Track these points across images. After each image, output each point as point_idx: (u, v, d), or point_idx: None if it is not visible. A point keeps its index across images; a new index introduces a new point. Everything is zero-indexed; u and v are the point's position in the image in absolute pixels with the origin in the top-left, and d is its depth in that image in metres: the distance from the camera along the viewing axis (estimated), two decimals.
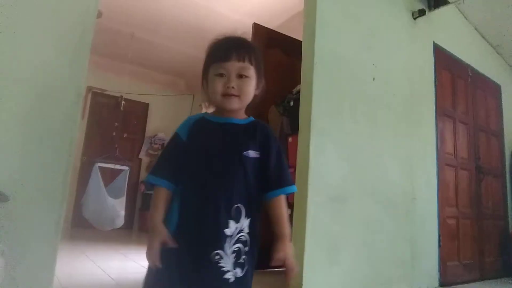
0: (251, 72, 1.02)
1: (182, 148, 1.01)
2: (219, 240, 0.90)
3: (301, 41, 2.37)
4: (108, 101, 5.63)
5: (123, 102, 5.33)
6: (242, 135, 1.01)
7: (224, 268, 0.88)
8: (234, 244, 0.91)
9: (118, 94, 5.54)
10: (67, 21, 1.53)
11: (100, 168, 3.89)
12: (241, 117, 1.06)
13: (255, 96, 1.06)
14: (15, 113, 1.39)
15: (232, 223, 0.92)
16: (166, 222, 0.95)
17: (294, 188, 1.02)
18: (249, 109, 1.09)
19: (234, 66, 0.99)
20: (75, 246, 3.62)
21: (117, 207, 3.72)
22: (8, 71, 1.39)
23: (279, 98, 3.12)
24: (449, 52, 3.40)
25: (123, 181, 4.11)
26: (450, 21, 3.51)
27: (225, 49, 1.02)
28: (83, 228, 4.54)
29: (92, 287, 2.26)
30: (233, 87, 0.98)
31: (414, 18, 3.03)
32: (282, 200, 1.00)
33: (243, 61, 1.00)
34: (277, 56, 3.37)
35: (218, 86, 0.99)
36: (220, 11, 3.77)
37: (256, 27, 3.28)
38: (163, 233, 0.92)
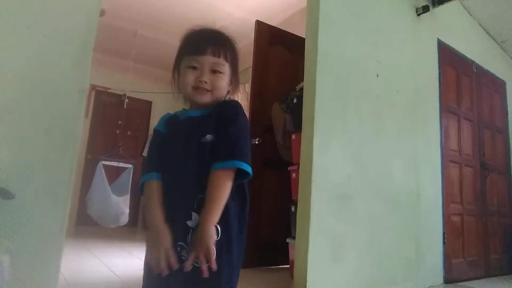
0: (225, 68, 0.99)
1: (162, 139, 1.01)
2: (182, 232, 0.88)
3: (304, 38, 2.37)
4: (112, 99, 5.65)
5: (127, 100, 5.33)
6: (201, 123, 0.96)
7: (183, 257, 0.86)
8: None
9: (121, 92, 5.55)
10: (71, 19, 1.53)
11: (104, 166, 3.91)
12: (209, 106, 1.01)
13: (228, 92, 1.03)
14: (19, 111, 1.40)
15: (194, 215, 0.88)
16: None
17: (236, 164, 0.89)
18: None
19: (208, 60, 0.97)
20: (79, 243, 3.64)
21: (122, 205, 3.74)
22: (12, 69, 1.39)
23: (282, 95, 3.12)
24: (454, 48, 3.38)
25: (127, 179, 4.13)
26: (454, 17, 3.48)
27: (201, 42, 0.99)
28: (87, 225, 4.57)
29: (97, 284, 2.28)
30: (205, 82, 0.96)
31: (418, 15, 3.01)
32: (215, 175, 0.89)
33: (218, 56, 0.98)
34: (280, 53, 3.37)
35: (190, 78, 0.97)
36: (223, 8, 3.77)
37: (259, 24, 3.27)
38: (167, 242, 0.86)
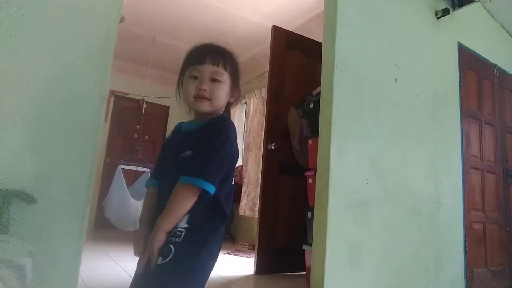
0: (225, 77, 1.04)
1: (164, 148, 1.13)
2: (171, 234, 0.94)
3: (321, 43, 2.35)
4: (130, 104, 5.75)
5: (145, 105, 5.43)
6: (188, 137, 1.04)
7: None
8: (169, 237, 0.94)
9: (139, 97, 5.65)
10: (92, 27, 1.57)
11: (123, 170, 3.96)
12: (203, 120, 1.05)
13: (229, 103, 1.09)
14: (41, 118, 1.43)
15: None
16: None
17: (198, 182, 0.91)
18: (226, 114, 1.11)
19: (207, 69, 1.02)
20: (97, 247, 3.70)
21: (140, 209, 3.77)
22: (34, 77, 1.43)
23: (299, 100, 3.10)
24: (475, 52, 3.30)
25: (144, 183, 4.17)
26: (475, 20, 3.41)
27: (200, 53, 1.06)
28: (104, 228, 4.64)
29: (114, 287, 2.30)
30: (205, 89, 1.01)
31: (438, 18, 2.96)
32: (177, 188, 0.94)
33: (217, 65, 1.03)
34: (297, 58, 3.36)
35: (191, 88, 1.02)
36: (239, 14, 3.79)
37: (275, 29, 3.28)
38: (138, 235, 1.03)
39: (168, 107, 6.07)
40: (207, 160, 0.95)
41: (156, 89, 5.49)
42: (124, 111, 5.72)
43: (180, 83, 1.09)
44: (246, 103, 5.35)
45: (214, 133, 0.99)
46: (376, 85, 2.41)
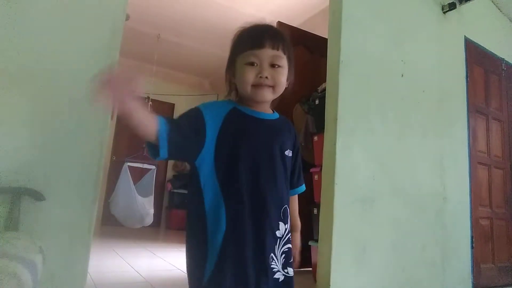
0: (284, 61, 0.93)
1: (201, 127, 0.87)
2: (272, 243, 0.88)
3: (326, 39, 2.35)
4: None
5: (150, 102, 5.44)
6: (281, 133, 0.98)
7: (274, 269, 0.88)
8: (284, 245, 0.91)
9: (145, 95, 5.66)
10: (98, 25, 1.58)
11: (129, 167, 3.99)
12: (269, 111, 0.99)
13: (285, 89, 0.97)
14: (49, 116, 1.45)
15: (281, 225, 0.91)
16: (206, 232, 0.86)
17: (304, 187, 1.09)
18: (274, 104, 1.02)
19: (267, 54, 0.90)
20: (104, 243, 3.73)
21: (147, 206, 3.80)
22: (40, 74, 1.44)
23: (304, 96, 3.10)
24: (482, 46, 3.27)
25: (150, 180, 4.20)
26: (482, 14, 3.37)
27: (258, 36, 0.92)
28: (111, 225, 4.68)
29: (122, 283, 2.32)
30: (266, 77, 0.89)
31: (444, 12, 2.93)
32: (296, 197, 1.09)
33: (277, 49, 0.92)
34: (302, 54, 3.35)
35: (249, 76, 0.89)
36: (244, 11, 3.79)
37: (280, 26, 3.27)
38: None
39: (173, 105, 6.09)
40: (301, 164, 1.07)
41: (161, 87, 5.51)
42: None
43: (230, 72, 0.96)
44: None
45: (296, 134, 1.05)
46: (382, 80, 2.40)
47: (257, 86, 0.90)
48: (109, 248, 3.50)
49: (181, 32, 4.43)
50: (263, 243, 0.86)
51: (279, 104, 1.03)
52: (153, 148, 0.79)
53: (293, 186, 1.03)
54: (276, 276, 0.88)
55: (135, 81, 0.72)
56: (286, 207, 0.93)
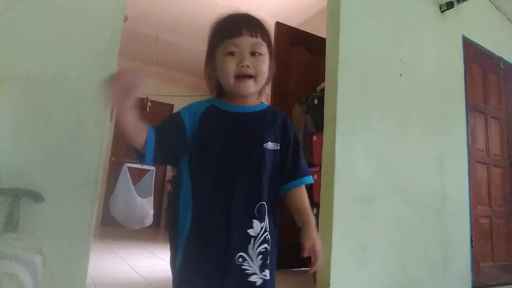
0: (265, 49, 0.90)
1: (181, 131, 0.88)
2: (242, 242, 0.82)
3: (325, 38, 2.35)
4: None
5: (149, 103, 5.44)
6: (259, 125, 0.91)
7: (248, 271, 0.81)
8: (260, 245, 0.84)
9: (143, 96, 5.66)
10: (97, 26, 1.58)
11: (128, 168, 3.98)
12: (254, 103, 0.95)
13: (267, 78, 0.94)
14: (48, 117, 1.44)
15: (256, 223, 0.84)
16: (177, 226, 0.87)
17: (311, 179, 0.96)
18: (261, 94, 0.99)
19: (246, 41, 0.87)
20: (104, 244, 3.73)
21: (146, 206, 3.80)
22: (39, 75, 1.44)
23: (303, 96, 3.10)
24: (480, 45, 3.28)
25: (150, 181, 4.20)
26: (480, 13, 3.38)
27: (235, 24, 0.90)
28: (111, 226, 4.67)
29: (121, 284, 2.32)
30: (248, 66, 0.86)
31: (442, 11, 2.94)
32: (302, 190, 0.94)
33: (256, 36, 0.89)
34: (301, 54, 3.35)
35: (231, 66, 0.86)
36: (242, 10, 3.78)
37: (279, 26, 3.27)
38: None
39: (172, 105, 6.09)
40: (303, 156, 0.96)
41: (160, 88, 5.51)
42: None
43: (209, 66, 0.94)
44: None
45: (290, 124, 0.96)
46: (381, 80, 2.40)
47: (239, 77, 0.87)
48: (109, 249, 3.50)
49: (179, 32, 4.43)
50: (229, 242, 0.82)
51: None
52: (139, 153, 0.84)
53: (288, 179, 0.92)
54: (251, 279, 0.81)
55: (136, 82, 0.76)
56: (263, 204, 0.85)
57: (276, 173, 0.91)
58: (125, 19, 1.79)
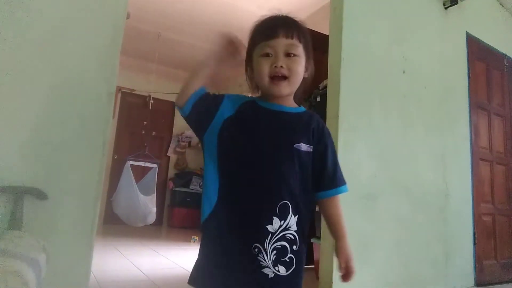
0: (300, 50, 0.92)
1: (213, 109, 0.93)
2: (259, 235, 0.84)
3: (327, 35, 2.34)
4: (137, 100, 5.78)
5: (151, 101, 5.45)
6: (294, 125, 0.92)
7: (262, 263, 0.83)
8: (276, 241, 0.85)
9: (146, 94, 5.67)
10: (99, 23, 1.58)
11: (131, 166, 3.99)
12: (292, 105, 0.97)
13: (304, 79, 0.95)
14: (51, 114, 1.45)
15: (276, 220, 0.85)
16: (208, 198, 0.89)
17: (346, 188, 0.97)
18: (298, 96, 0.99)
19: (281, 43, 0.90)
20: (107, 242, 3.74)
21: (149, 204, 3.80)
22: (43, 74, 1.44)
23: (305, 93, 3.09)
24: (483, 41, 3.26)
25: (152, 178, 4.20)
26: (484, 9, 3.36)
27: (271, 26, 0.93)
28: (114, 224, 4.69)
29: (125, 282, 2.33)
30: (281, 66, 0.88)
31: (445, 8, 2.92)
32: (337, 200, 0.97)
33: (291, 38, 0.91)
34: None
35: (265, 67, 0.89)
36: (246, 8, 3.77)
37: None
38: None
39: (174, 103, 6.07)
40: (339, 165, 0.98)
41: (162, 85, 5.51)
42: (131, 108, 5.76)
43: (249, 67, 0.97)
44: None
45: (328, 131, 0.97)
46: (384, 77, 2.39)
47: (273, 78, 0.89)
48: (112, 246, 3.51)
49: (181, 30, 4.42)
50: (247, 232, 0.85)
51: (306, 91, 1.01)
52: (181, 101, 0.95)
53: (324, 187, 0.94)
54: (264, 271, 0.83)
55: (242, 51, 0.95)
56: (286, 203, 0.86)
57: (307, 176, 0.91)
58: (127, 16, 1.78)
